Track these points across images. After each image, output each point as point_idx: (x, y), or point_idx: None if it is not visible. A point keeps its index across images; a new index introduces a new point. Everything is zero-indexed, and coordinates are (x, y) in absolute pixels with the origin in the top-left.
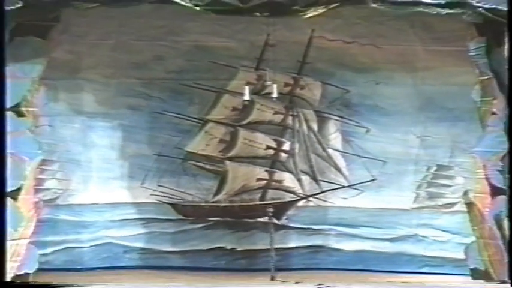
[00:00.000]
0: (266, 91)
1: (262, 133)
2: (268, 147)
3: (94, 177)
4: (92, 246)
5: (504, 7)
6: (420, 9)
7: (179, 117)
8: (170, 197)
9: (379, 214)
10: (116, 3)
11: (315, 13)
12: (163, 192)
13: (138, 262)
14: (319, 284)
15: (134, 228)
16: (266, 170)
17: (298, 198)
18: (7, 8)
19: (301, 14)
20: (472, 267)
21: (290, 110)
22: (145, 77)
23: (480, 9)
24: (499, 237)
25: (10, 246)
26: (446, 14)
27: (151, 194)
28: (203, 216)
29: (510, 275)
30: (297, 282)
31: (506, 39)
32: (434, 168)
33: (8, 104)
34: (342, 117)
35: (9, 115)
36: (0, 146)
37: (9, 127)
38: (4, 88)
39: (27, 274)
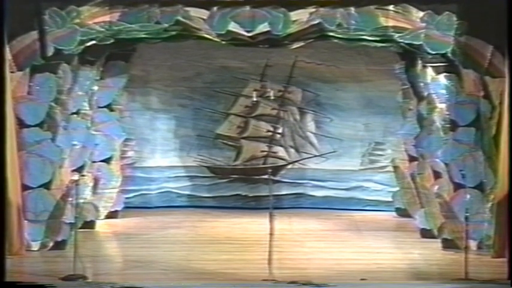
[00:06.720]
0: (267, 95)
1: (264, 122)
2: (268, 131)
3: (158, 149)
4: (157, 193)
5: (417, 42)
6: (364, 43)
7: (212, 112)
8: (206, 162)
9: (338, 173)
10: (172, 40)
11: (297, 45)
12: (202, 159)
13: (186, 203)
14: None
15: (183, 182)
16: (267, 145)
17: (287, 163)
18: (103, 43)
19: (289, 46)
20: (396, 207)
21: (282, 107)
22: (190, 86)
23: (401, 43)
24: (413, 188)
25: (106, 194)
26: (381, 46)
27: (194, 160)
28: (227, 174)
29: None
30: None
31: (419, 62)
32: (373, 144)
33: (103, 103)
34: (315, 111)
35: (104, 111)
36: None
37: (104, 119)
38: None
39: (117, 211)
